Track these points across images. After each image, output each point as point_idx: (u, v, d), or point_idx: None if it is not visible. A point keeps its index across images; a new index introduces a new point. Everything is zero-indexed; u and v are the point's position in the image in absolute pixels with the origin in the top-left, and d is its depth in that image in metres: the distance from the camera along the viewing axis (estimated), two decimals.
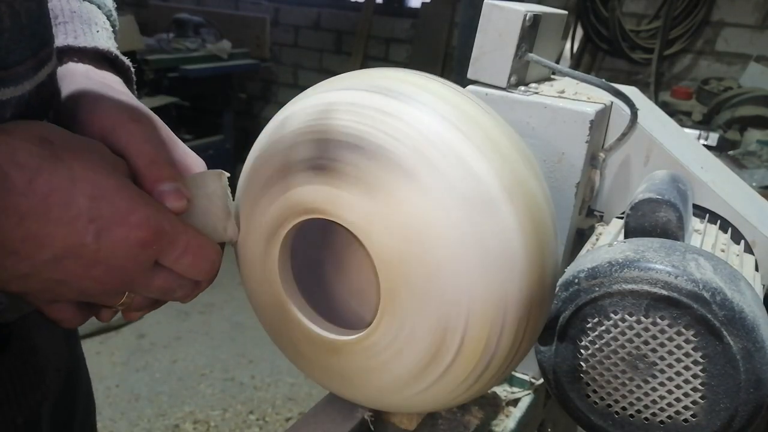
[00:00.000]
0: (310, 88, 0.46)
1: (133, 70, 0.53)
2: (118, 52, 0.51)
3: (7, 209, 0.33)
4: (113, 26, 0.54)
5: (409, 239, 0.39)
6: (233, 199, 0.45)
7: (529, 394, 0.65)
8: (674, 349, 0.41)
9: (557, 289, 0.45)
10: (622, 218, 0.59)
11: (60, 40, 0.48)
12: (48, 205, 0.34)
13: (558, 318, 0.45)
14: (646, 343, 0.42)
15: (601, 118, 0.59)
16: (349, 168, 0.40)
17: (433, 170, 0.38)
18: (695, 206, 0.58)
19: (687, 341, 0.41)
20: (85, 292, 0.38)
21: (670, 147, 0.59)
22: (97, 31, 0.50)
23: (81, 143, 0.37)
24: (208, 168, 0.46)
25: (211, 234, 0.42)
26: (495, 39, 0.58)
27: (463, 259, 0.39)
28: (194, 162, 0.47)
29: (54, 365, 0.57)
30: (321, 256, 0.51)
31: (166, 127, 0.46)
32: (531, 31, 0.59)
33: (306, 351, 0.48)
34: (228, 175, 0.44)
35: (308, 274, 0.49)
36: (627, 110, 0.59)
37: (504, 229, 0.39)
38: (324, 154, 0.40)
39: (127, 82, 0.51)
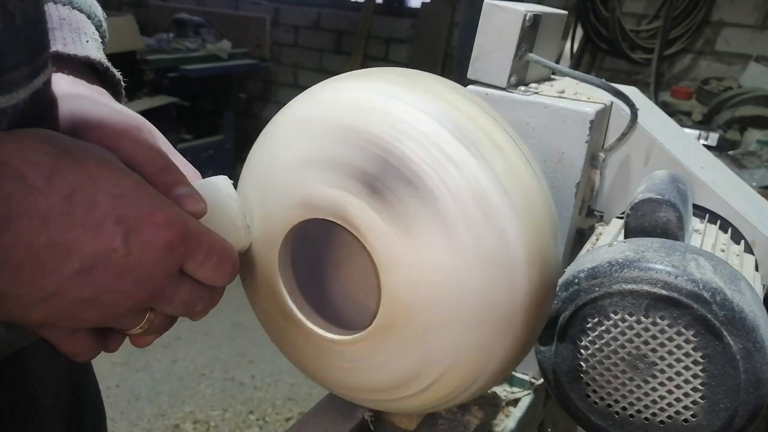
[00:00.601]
0: (350, 76, 0.44)
1: (123, 84, 0.50)
2: (109, 64, 0.49)
3: (29, 211, 0.30)
4: (103, 37, 0.52)
5: (425, 286, 0.40)
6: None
7: (529, 394, 0.65)
8: (674, 349, 0.41)
9: (557, 289, 0.45)
10: (622, 218, 0.59)
11: None
12: (71, 204, 0.31)
13: (558, 318, 0.45)
14: (646, 343, 0.42)
15: (601, 118, 0.59)
16: (397, 201, 0.39)
17: (470, 229, 0.38)
18: (695, 206, 0.58)
19: (687, 341, 0.41)
20: (110, 312, 0.35)
21: (670, 147, 0.59)
22: (87, 41, 0.48)
23: (88, 145, 0.36)
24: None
25: (229, 237, 0.41)
26: (495, 39, 0.58)
27: (466, 317, 0.40)
28: (190, 172, 0.45)
29: (51, 392, 0.54)
30: (321, 256, 0.51)
31: (163, 137, 0.44)
32: (531, 31, 0.59)
33: (305, 351, 0.48)
34: (231, 181, 0.44)
35: (308, 273, 0.49)
36: (627, 110, 0.59)
37: (516, 291, 0.40)
38: (381, 175, 0.39)
39: (116, 95, 0.49)
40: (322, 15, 3.88)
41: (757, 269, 0.57)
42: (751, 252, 0.58)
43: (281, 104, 0.47)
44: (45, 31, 0.38)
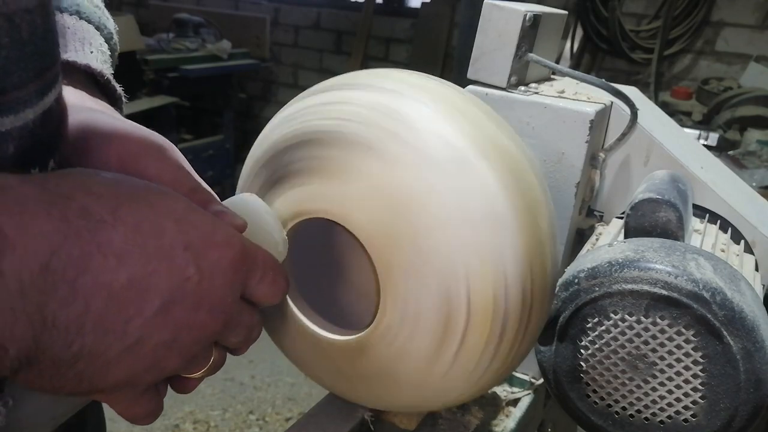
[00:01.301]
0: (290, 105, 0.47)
1: (124, 100, 0.48)
2: (111, 77, 0.46)
3: (102, 248, 0.27)
4: (112, 50, 0.49)
5: (388, 211, 0.40)
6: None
7: (529, 394, 0.65)
8: (674, 349, 0.41)
9: (557, 289, 0.45)
10: (622, 218, 0.59)
11: None
12: (142, 235, 0.29)
13: (558, 318, 0.45)
14: (646, 343, 0.42)
15: (601, 118, 0.59)
16: (314, 162, 0.42)
17: (392, 139, 0.39)
18: (695, 206, 0.58)
19: (687, 341, 0.41)
20: (188, 354, 0.32)
21: (670, 147, 0.59)
22: (91, 52, 0.45)
23: (128, 177, 0.33)
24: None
25: (271, 252, 0.39)
26: (495, 39, 0.58)
27: (447, 221, 0.39)
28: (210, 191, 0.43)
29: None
30: (321, 256, 0.51)
31: (182, 155, 0.41)
32: (531, 31, 0.59)
33: (306, 351, 0.48)
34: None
35: (308, 274, 0.49)
36: (627, 110, 0.59)
37: (482, 185, 0.39)
38: (292, 158, 0.43)
39: (118, 111, 0.46)
40: (322, 15, 3.88)
41: (757, 269, 0.57)
42: (751, 252, 0.58)
43: (281, 104, 0.47)
44: (55, 42, 0.35)
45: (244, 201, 0.40)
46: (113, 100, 0.47)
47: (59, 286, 0.26)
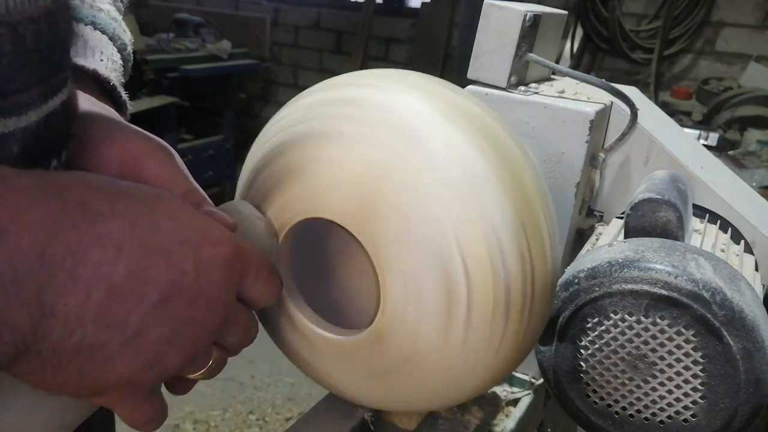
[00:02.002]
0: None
1: (130, 109, 0.49)
2: (118, 84, 0.47)
3: (101, 239, 0.28)
4: (125, 60, 0.51)
5: (359, 187, 0.40)
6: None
7: (529, 394, 0.65)
8: (674, 349, 0.41)
9: (557, 288, 0.45)
10: (622, 218, 0.59)
11: None
12: (140, 230, 0.30)
13: (558, 318, 0.45)
14: (646, 343, 0.42)
15: (601, 118, 0.59)
16: (280, 173, 0.43)
17: (346, 121, 0.40)
18: (695, 206, 0.58)
19: (687, 341, 0.41)
20: (190, 351, 0.33)
21: (670, 147, 0.59)
22: (101, 60, 0.47)
23: (121, 179, 0.34)
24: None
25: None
26: (495, 39, 0.58)
27: (420, 185, 0.39)
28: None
29: None
30: (320, 256, 0.51)
31: (181, 159, 0.43)
32: (531, 31, 0.59)
33: (305, 350, 0.48)
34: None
35: (307, 273, 0.49)
36: (627, 110, 0.59)
37: (451, 145, 0.39)
38: (265, 177, 0.44)
39: (123, 116, 0.47)
40: (322, 15, 3.88)
41: (757, 269, 0.57)
42: (751, 252, 0.58)
43: (281, 104, 0.47)
44: (65, 50, 0.37)
45: (236, 207, 0.42)
46: (118, 106, 0.48)
47: (58, 274, 0.27)
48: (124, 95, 0.48)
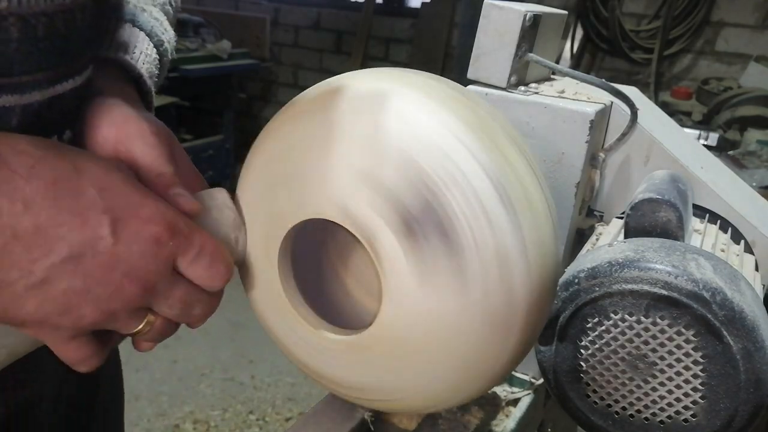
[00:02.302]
0: (411, 90, 0.41)
1: (154, 96, 0.53)
2: (145, 75, 0.50)
3: (10, 193, 0.31)
4: (161, 55, 0.54)
5: (423, 328, 0.40)
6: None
7: (529, 394, 0.65)
8: (674, 349, 0.41)
9: (557, 288, 0.45)
10: (622, 218, 0.59)
11: None
12: (56, 192, 0.33)
13: (558, 318, 0.45)
14: (646, 343, 0.42)
15: (601, 118, 0.59)
16: (426, 247, 0.38)
17: (484, 287, 0.39)
18: (695, 206, 0.58)
19: (687, 341, 0.41)
20: (106, 309, 0.36)
21: (670, 147, 0.59)
22: (134, 53, 0.50)
23: (78, 149, 0.37)
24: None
25: (225, 244, 0.42)
26: (495, 39, 0.58)
27: (456, 359, 0.40)
28: (198, 180, 0.47)
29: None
30: (321, 255, 0.51)
31: (181, 146, 0.46)
32: (531, 31, 0.59)
33: (305, 350, 0.47)
34: (229, 195, 0.45)
35: (307, 272, 0.49)
36: (627, 110, 0.59)
37: (509, 341, 0.40)
38: (421, 218, 0.38)
39: (147, 107, 0.51)
40: (322, 15, 3.88)
41: (757, 269, 0.57)
42: (751, 252, 0.58)
43: (281, 104, 0.47)
44: (82, 43, 0.40)
45: (211, 194, 0.44)
46: (143, 95, 0.51)
47: None
48: (149, 84, 0.52)
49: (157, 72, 0.53)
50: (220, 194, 0.44)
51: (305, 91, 0.46)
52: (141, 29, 0.52)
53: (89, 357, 0.38)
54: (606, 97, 0.60)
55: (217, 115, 3.42)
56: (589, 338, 0.44)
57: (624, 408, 0.45)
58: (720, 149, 2.10)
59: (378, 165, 0.39)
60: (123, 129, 0.41)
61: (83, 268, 0.34)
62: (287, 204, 0.43)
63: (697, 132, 2.16)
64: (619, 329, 0.43)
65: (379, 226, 0.39)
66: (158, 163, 0.40)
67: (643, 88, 2.41)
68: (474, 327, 0.39)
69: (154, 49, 0.53)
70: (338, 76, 0.45)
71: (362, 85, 0.42)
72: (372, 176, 0.39)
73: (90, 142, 0.41)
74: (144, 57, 0.51)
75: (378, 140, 0.39)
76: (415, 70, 0.45)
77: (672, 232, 0.48)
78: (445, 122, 0.39)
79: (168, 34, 0.56)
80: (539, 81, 0.65)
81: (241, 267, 0.48)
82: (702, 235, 0.54)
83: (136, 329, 0.38)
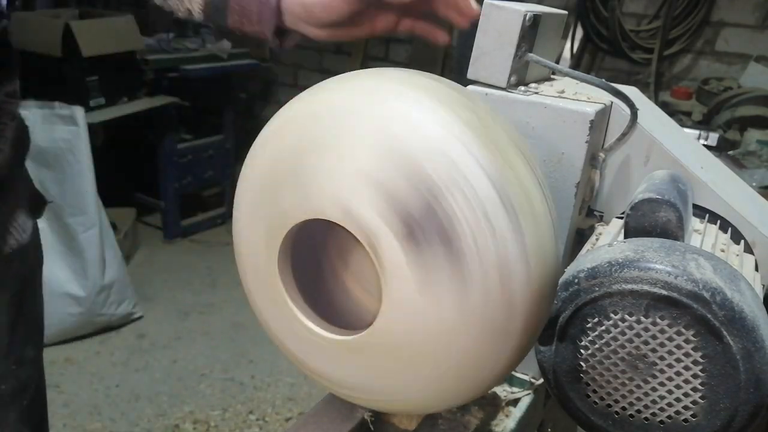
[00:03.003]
0: (423, 94, 0.41)
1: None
2: None
3: None
4: None
5: (423, 333, 0.40)
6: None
7: (529, 394, 0.65)
8: (674, 349, 0.41)
9: (557, 288, 0.45)
10: (622, 218, 0.59)
11: None
12: None
13: (558, 318, 0.45)
14: (646, 343, 0.42)
15: (601, 118, 0.59)
16: (428, 252, 0.38)
17: (484, 294, 0.39)
18: (695, 206, 0.58)
19: (687, 341, 0.41)
20: None
21: (670, 147, 0.59)
22: None
23: None
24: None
25: None
26: (495, 39, 0.58)
27: (452, 365, 0.41)
28: None
29: None
30: (321, 255, 0.51)
31: None
32: (531, 31, 0.59)
33: (305, 350, 0.47)
34: None
35: (307, 273, 0.49)
36: (627, 110, 0.59)
37: (506, 349, 0.41)
38: (423, 223, 0.38)
39: None
40: None
41: (757, 269, 0.57)
42: (751, 252, 0.58)
43: (281, 104, 0.47)
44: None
45: None
46: None
47: None
48: None
49: None
50: None
51: (306, 91, 0.45)
52: None
53: None
54: (606, 97, 0.60)
55: (218, 115, 3.42)
56: (589, 338, 0.44)
57: (624, 408, 0.45)
58: (720, 149, 2.10)
59: (380, 166, 0.39)
60: None
61: None
62: (288, 204, 0.43)
63: (697, 132, 2.16)
64: (619, 329, 0.43)
65: (380, 228, 0.39)
66: None
67: (643, 88, 2.41)
68: (473, 331, 0.39)
69: None
70: (340, 76, 0.45)
71: (364, 85, 0.42)
72: (374, 177, 0.39)
73: None
74: None
75: (380, 142, 0.39)
76: (416, 71, 0.45)
77: (672, 232, 0.48)
78: (448, 124, 0.39)
79: None
80: (539, 81, 0.65)
81: (242, 266, 0.48)
82: (702, 235, 0.54)
83: None
